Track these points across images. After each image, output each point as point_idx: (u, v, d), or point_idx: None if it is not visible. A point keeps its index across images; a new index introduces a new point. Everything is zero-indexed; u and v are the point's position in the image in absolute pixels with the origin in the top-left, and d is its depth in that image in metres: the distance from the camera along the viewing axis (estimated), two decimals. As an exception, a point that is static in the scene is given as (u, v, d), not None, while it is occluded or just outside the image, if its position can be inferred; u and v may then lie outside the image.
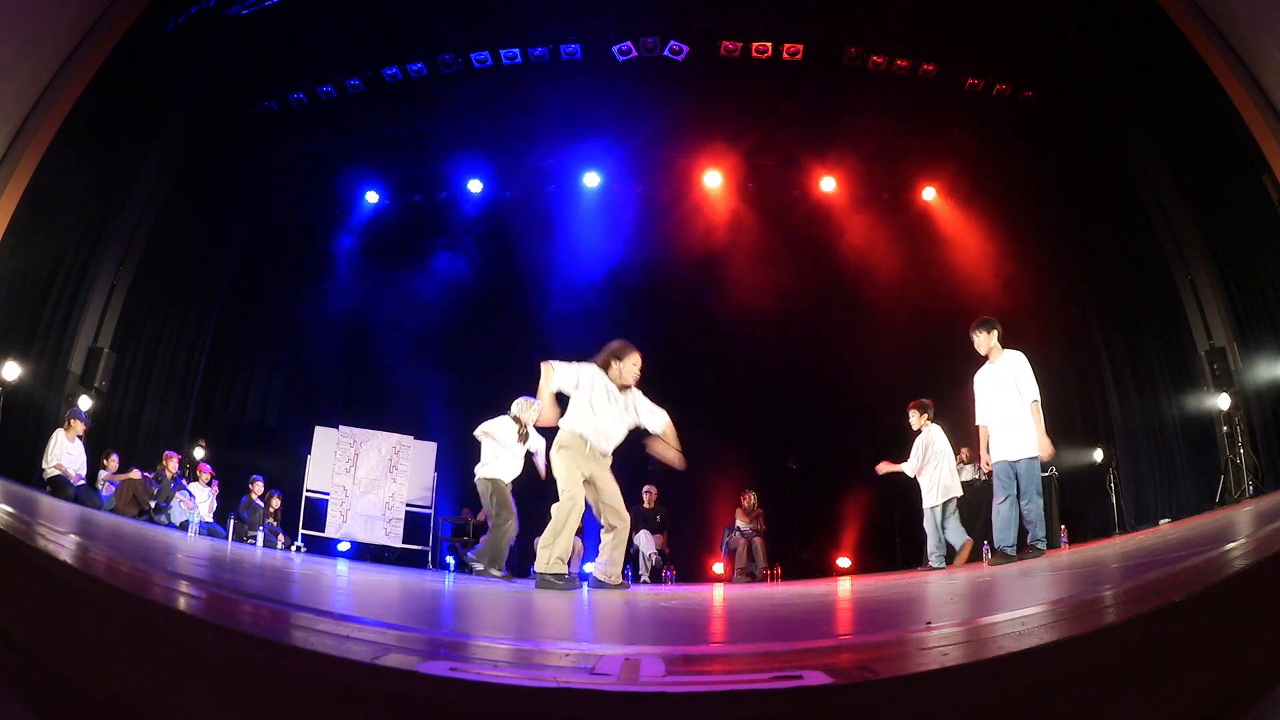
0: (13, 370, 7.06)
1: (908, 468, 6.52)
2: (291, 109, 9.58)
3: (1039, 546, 4.91)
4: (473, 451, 6.46)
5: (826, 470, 10.27)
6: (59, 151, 7.17)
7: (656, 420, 4.41)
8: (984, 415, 5.27)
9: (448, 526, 9.96)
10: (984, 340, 5.28)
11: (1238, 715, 0.94)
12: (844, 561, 9.65)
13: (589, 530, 9.34)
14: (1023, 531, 5.09)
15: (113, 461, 7.75)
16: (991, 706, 0.97)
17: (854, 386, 9.77)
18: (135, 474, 7.66)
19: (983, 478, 7.73)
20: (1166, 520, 7.15)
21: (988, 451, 5.26)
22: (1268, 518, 3.39)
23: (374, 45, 9.02)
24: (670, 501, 9.04)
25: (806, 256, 10.26)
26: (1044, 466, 5.37)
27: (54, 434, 7.13)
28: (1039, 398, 5.04)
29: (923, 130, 9.56)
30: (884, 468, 6.68)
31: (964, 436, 7.06)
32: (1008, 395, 5.11)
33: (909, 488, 6.71)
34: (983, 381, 5.32)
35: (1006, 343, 5.32)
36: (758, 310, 9.90)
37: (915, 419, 6.55)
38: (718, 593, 4.90)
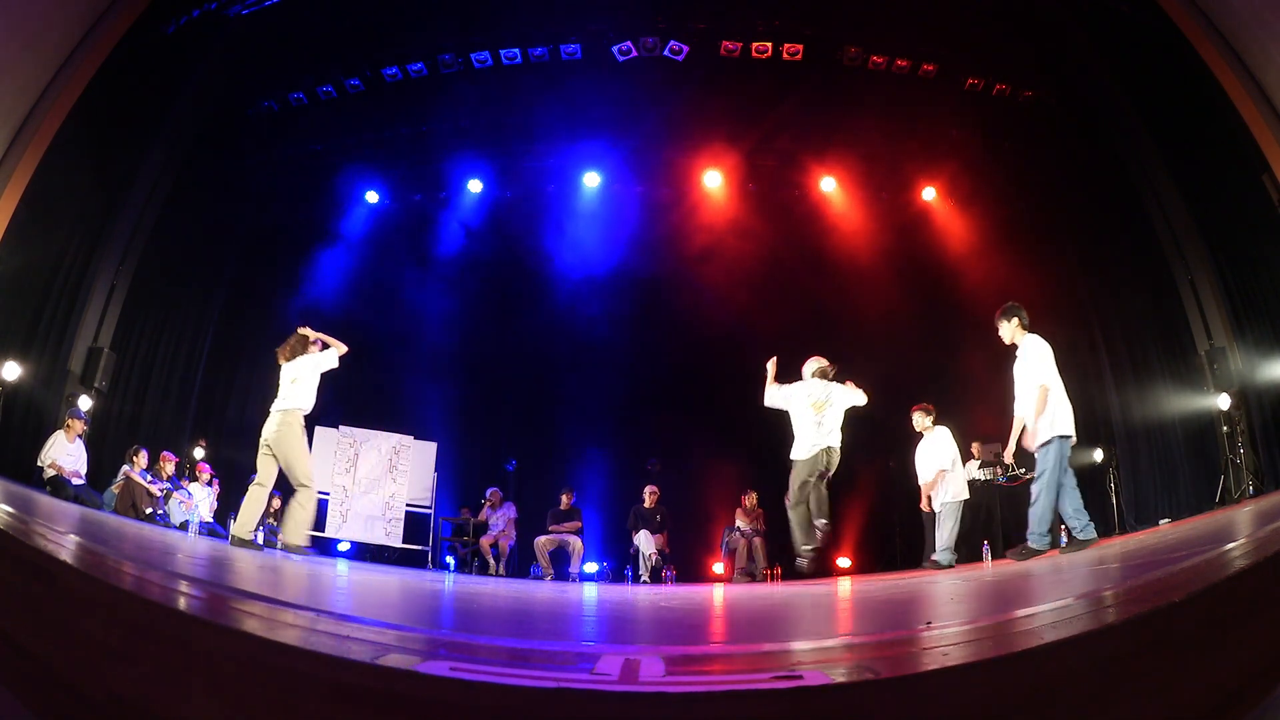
0: (13, 370, 7.05)
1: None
2: (291, 109, 9.58)
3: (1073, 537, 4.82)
4: (471, 452, 6.51)
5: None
6: (59, 151, 7.15)
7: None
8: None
9: (447, 526, 9.95)
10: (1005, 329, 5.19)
11: (1238, 715, 0.93)
12: (844, 561, 9.65)
13: (589, 530, 9.37)
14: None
15: (141, 458, 7.70)
16: (991, 706, 0.97)
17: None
18: (136, 475, 7.65)
19: (984, 477, 7.76)
20: (1166, 520, 7.14)
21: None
22: (1268, 518, 3.39)
23: (374, 45, 9.01)
24: (671, 501, 9.02)
25: (806, 256, 10.24)
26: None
27: (53, 434, 7.13)
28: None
29: (923, 130, 9.54)
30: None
31: (966, 437, 7.07)
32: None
33: (906, 487, 6.70)
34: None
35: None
36: (757, 310, 9.88)
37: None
38: (717, 593, 4.89)
